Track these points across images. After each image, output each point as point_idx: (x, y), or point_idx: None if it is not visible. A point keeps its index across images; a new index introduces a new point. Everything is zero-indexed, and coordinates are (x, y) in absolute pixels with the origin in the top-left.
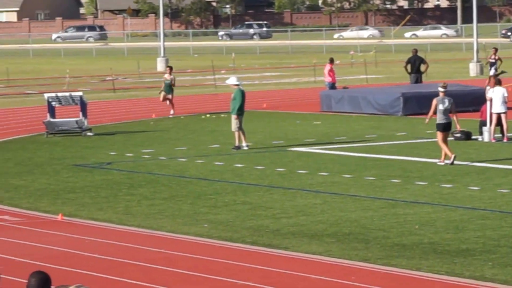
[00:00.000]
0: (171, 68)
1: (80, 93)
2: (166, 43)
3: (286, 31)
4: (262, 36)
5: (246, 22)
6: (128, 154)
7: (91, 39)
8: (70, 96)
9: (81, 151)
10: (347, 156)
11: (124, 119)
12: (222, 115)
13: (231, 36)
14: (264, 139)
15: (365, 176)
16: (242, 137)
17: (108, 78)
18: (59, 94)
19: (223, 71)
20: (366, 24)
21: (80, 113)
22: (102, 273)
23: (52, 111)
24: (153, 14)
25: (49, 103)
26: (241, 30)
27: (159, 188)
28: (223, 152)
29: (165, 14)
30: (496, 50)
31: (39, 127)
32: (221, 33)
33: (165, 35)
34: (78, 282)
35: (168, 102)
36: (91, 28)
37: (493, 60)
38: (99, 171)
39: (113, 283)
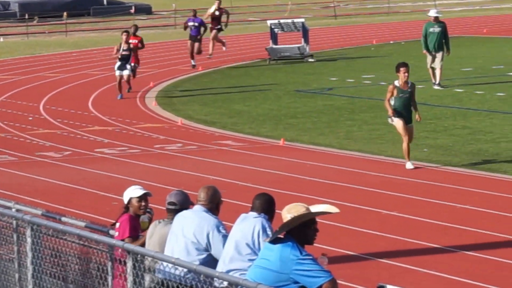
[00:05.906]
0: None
1: (302, 20)
2: None
3: None
4: None
5: None
6: (349, 80)
7: None
8: (293, 22)
9: (303, 77)
10: None
11: (345, 45)
12: None
13: None
14: (484, 64)
15: None
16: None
17: (330, 5)
18: (282, 21)
19: None
20: None
21: (302, 40)
22: (322, 197)
23: (274, 37)
24: None
25: (271, 29)
26: None
27: (380, 113)
28: (444, 77)
29: None
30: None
31: (261, 53)
32: None
33: None
34: None
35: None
36: None
37: None
38: (321, 97)
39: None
